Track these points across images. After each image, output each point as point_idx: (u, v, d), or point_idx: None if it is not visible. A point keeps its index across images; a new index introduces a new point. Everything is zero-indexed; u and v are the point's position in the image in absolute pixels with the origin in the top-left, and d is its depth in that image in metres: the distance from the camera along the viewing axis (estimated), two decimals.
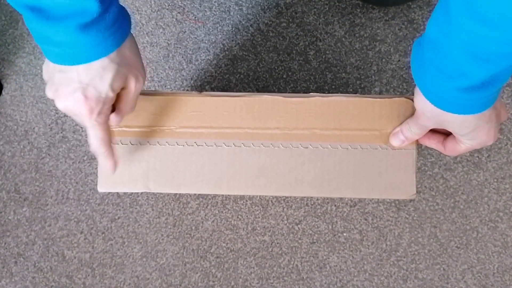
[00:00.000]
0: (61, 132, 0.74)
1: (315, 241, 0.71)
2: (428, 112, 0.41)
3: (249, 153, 0.47)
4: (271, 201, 0.71)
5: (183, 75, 0.75)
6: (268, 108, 0.48)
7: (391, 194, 0.47)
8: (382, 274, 0.70)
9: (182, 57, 0.76)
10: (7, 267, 0.72)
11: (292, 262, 0.70)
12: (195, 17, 0.77)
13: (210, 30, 0.76)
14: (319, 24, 0.76)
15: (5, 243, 0.72)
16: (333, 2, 0.76)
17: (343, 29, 0.75)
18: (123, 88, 0.42)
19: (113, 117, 0.43)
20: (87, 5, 0.35)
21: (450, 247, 0.70)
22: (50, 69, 0.40)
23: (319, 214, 0.71)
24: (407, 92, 0.74)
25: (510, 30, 0.30)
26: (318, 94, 0.48)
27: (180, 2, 0.77)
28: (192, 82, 0.75)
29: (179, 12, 0.77)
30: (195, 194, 0.72)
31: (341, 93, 0.74)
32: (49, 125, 0.74)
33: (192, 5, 0.77)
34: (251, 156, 0.47)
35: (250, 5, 0.76)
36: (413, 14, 0.75)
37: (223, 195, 0.71)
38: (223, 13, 0.76)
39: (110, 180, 0.48)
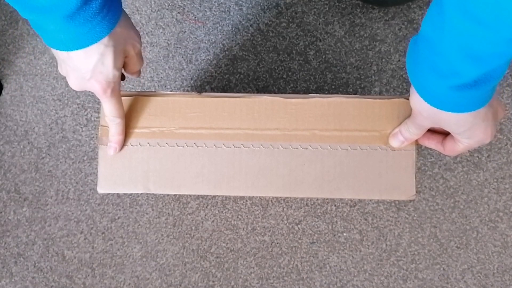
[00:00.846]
0: (61, 132, 0.74)
1: (315, 241, 0.71)
2: (424, 111, 0.41)
3: (249, 154, 0.47)
4: (271, 201, 0.71)
5: (183, 75, 0.75)
6: (268, 109, 0.48)
7: (391, 194, 0.47)
8: (382, 274, 0.70)
9: (182, 57, 0.76)
10: (7, 267, 0.72)
11: (292, 262, 0.71)
12: (195, 17, 0.77)
13: (210, 30, 0.76)
14: (319, 24, 0.75)
15: (5, 243, 0.73)
16: (333, 2, 0.76)
17: (343, 29, 0.75)
18: (125, 57, 0.44)
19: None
20: None
21: (450, 247, 0.70)
22: (57, 53, 0.42)
23: (319, 214, 0.71)
24: (407, 92, 0.74)
25: (502, 30, 0.31)
26: (317, 95, 0.48)
27: (180, 2, 0.77)
28: (192, 82, 0.75)
29: (179, 12, 0.77)
30: (195, 194, 0.72)
31: (341, 93, 0.74)
32: (49, 125, 0.74)
33: (192, 5, 0.77)
34: (251, 157, 0.47)
35: (250, 5, 0.76)
36: (413, 14, 0.75)
37: (223, 195, 0.71)
38: (223, 13, 0.76)
39: (110, 181, 0.48)
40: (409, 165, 0.47)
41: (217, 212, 0.71)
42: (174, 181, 0.48)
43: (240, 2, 0.77)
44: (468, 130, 0.40)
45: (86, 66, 0.41)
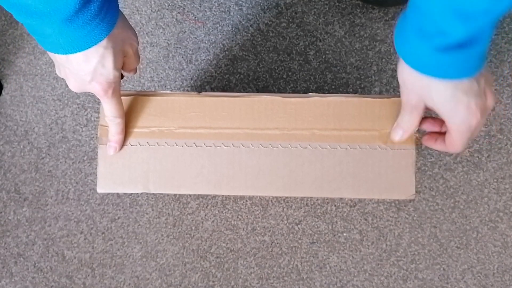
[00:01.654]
0: (61, 132, 0.74)
1: (315, 241, 0.71)
2: (408, 81, 0.41)
3: (248, 153, 0.47)
4: (271, 201, 0.71)
5: (183, 75, 0.75)
6: (267, 109, 0.48)
7: (391, 194, 0.47)
8: (382, 274, 0.70)
9: (182, 57, 0.76)
10: (7, 267, 0.72)
11: (292, 262, 0.70)
12: (195, 17, 0.77)
13: (210, 30, 0.76)
14: (319, 24, 0.75)
15: (5, 243, 0.73)
16: (333, 2, 0.76)
17: (343, 29, 0.75)
18: (124, 57, 0.44)
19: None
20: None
21: (450, 247, 0.70)
22: (55, 56, 0.42)
23: (319, 214, 0.71)
24: None
25: None
26: (317, 94, 0.48)
27: (180, 2, 0.77)
28: (192, 82, 0.75)
29: (179, 12, 0.77)
30: (195, 194, 0.72)
31: (341, 93, 0.74)
32: (49, 125, 0.74)
33: (192, 5, 0.77)
34: (251, 156, 0.47)
35: (250, 5, 0.76)
36: None
37: (223, 195, 0.71)
38: (223, 13, 0.76)
39: (109, 180, 0.48)
40: (409, 164, 0.47)
41: (217, 212, 0.71)
42: (174, 180, 0.48)
43: (240, 2, 0.77)
44: (449, 104, 0.39)
45: (86, 69, 0.41)
